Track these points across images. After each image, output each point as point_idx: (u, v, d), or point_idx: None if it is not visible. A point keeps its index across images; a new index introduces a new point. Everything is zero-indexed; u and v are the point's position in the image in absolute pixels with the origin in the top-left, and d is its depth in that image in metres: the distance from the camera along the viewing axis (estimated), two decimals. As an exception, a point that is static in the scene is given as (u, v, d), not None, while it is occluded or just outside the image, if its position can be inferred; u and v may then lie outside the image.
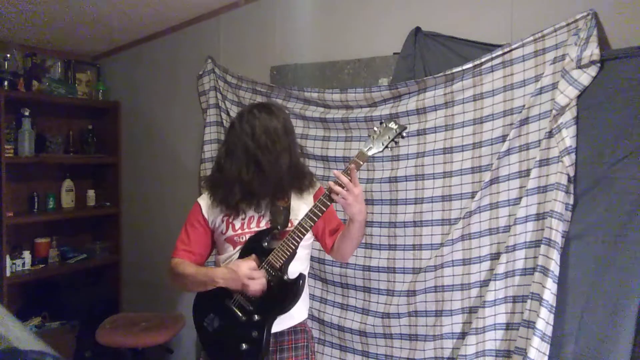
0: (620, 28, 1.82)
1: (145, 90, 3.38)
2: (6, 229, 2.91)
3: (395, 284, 2.20)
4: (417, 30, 2.23)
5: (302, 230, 1.57)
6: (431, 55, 2.20)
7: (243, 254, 1.64)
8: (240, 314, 1.61)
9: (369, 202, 2.25)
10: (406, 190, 2.19)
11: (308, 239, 1.71)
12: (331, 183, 1.54)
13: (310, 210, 1.58)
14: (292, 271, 1.63)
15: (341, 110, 2.35)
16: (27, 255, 3.09)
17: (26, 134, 3.02)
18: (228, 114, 2.71)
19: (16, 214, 3.04)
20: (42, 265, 3.17)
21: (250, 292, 1.57)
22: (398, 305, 2.18)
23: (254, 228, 1.67)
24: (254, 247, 1.63)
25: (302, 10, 2.65)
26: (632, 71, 1.74)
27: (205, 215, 1.72)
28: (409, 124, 2.18)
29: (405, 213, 2.18)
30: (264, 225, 1.67)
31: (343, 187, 1.52)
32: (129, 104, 3.50)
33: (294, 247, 1.58)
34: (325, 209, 1.57)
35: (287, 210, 1.67)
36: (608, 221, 1.79)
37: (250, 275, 1.54)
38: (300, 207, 1.69)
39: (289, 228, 1.63)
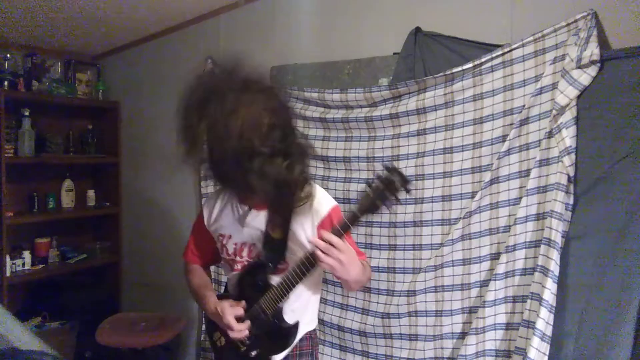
0: (620, 28, 1.82)
1: (145, 90, 3.38)
2: (6, 229, 2.90)
3: (395, 284, 2.20)
4: (417, 30, 2.23)
5: (290, 285, 1.43)
6: (431, 55, 2.20)
7: (239, 287, 1.57)
8: (240, 344, 1.58)
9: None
10: (406, 190, 2.18)
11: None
12: (313, 241, 1.33)
13: (297, 265, 1.40)
14: (298, 305, 1.56)
15: (341, 110, 2.35)
16: (27, 255, 3.09)
17: (26, 134, 3.02)
18: (228, 114, 2.71)
19: (16, 214, 3.04)
20: (42, 265, 3.17)
21: (230, 336, 1.50)
22: (398, 305, 2.18)
23: (245, 257, 1.57)
24: (249, 283, 1.54)
25: (302, 10, 2.65)
26: (632, 71, 1.74)
27: (207, 227, 1.66)
28: (409, 123, 2.18)
29: (405, 213, 2.18)
30: (255, 255, 1.54)
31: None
32: (129, 104, 3.50)
33: (284, 298, 1.46)
34: (305, 276, 1.39)
35: (283, 243, 1.47)
36: (608, 221, 1.79)
37: (230, 327, 1.46)
38: (298, 239, 1.49)
39: (283, 266, 1.50)
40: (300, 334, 1.62)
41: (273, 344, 1.56)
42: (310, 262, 1.36)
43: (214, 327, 1.65)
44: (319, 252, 1.30)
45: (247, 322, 1.48)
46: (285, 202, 1.42)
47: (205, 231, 1.66)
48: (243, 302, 1.51)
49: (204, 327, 2.81)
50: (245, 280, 1.56)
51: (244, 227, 1.53)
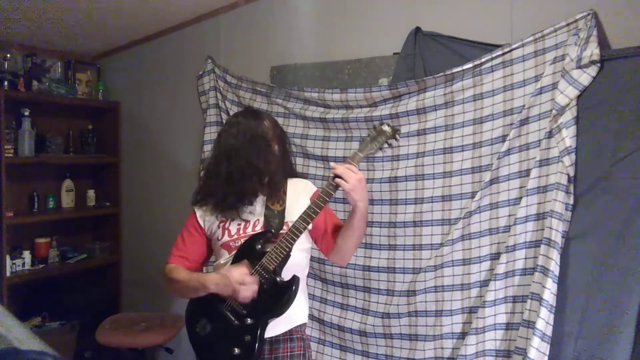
0: (620, 28, 1.82)
1: (145, 90, 3.38)
2: (6, 229, 2.90)
3: (395, 284, 2.20)
4: (417, 30, 2.23)
5: (296, 232, 1.56)
6: (431, 55, 2.20)
7: (237, 258, 1.64)
8: (233, 318, 1.60)
9: (369, 202, 2.25)
10: (406, 190, 2.19)
11: (304, 242, 1.70)
12: (333, 165, 1.56)
13: (306, 210, 1.57)
14: (289, 276, 1.61)
15: (341, 110, 2.35)
16: (27, 255, 3.09)
17: (26, 134, 3.02)
18: (228, 114, 2.71)
19: (16, 214, 3.04)
20: (42, 265, 3.17)
21: (240, 299, 1.56)
22: (398, 305, 2.18)
23: (250, 233, 1.66)
24: (248, 251, 1.62)
25: (302, 10, 2.65)
26: (632, 71, 1.74)
27: (201, 223, 1.73)
28: (409, 124, 2.19)
29: (405, 213, 2.18)
30: (259, 229, 1.66)
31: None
32: (129, 104, 3.50)
33: (287, 249, 1.57)
34: (324, 204, 1.57)
35: (282, 213, 1.67)
36: (608, 221, 1.79)
37: (241, 281, 1.54)
38: (296, 209, 1.67)
39: (284, 230, 1.62)
40: (295, 319, 1.67)
41: (273, 304, 1.59)
42: (309, 215, 1.56)
43: (198, 317, 1.68)
44: (340, 171, 1.51)
45: (255, 277, 1.58)
46: (281, 182, 1.72)
47: (196, 228, 1.74)
48: (245, 261, 1.60)
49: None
50: (244, 250, 1.63)
51: (248, 208, 1.68)
